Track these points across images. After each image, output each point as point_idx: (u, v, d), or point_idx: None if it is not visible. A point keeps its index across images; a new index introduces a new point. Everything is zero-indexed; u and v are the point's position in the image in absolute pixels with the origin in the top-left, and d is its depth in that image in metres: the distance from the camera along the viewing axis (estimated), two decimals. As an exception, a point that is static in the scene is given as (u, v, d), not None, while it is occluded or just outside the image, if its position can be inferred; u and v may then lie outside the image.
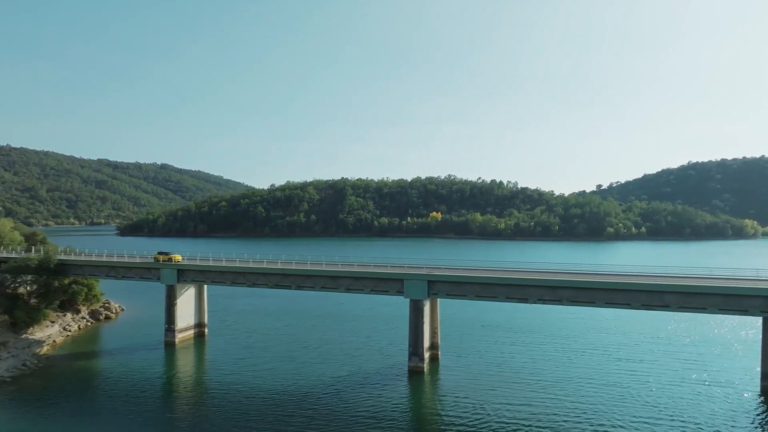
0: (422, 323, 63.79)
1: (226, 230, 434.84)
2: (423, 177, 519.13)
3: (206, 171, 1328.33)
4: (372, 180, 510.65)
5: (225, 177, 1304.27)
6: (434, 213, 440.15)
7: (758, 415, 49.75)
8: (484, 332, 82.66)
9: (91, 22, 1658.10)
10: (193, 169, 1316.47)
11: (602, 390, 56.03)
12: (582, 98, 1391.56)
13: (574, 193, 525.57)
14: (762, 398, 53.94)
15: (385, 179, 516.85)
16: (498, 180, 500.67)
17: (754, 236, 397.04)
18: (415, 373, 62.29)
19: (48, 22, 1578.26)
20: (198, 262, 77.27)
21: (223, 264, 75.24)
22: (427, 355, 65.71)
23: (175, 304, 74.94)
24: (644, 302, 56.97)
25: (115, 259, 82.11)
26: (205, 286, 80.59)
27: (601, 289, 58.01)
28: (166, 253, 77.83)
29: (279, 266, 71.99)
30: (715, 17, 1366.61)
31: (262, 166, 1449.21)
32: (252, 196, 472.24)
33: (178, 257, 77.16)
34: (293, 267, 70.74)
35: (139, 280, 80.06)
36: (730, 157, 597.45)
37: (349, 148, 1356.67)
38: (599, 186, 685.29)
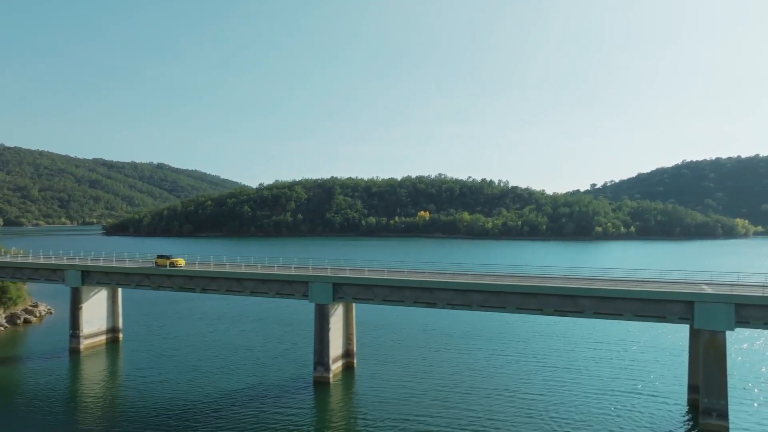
0: (328, 330, 58.85)
1: (211, 230, 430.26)
2: (414, 176, 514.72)
3: (203, 170, 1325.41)
4: (361, 179, 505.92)
5: (222, 176, 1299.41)
6: (422, 212, 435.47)
7: (682, 429, 44.94)
8: (409, 338, 77.47)
9: (88, 21, 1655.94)
10: (189, 168, 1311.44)
11: (523, 401, 51.16)
12: (580, 98, 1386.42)
13: (568, 192, 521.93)
14: (688, 412, 48.93)
15: (375, 178, 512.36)
16: (489, 179, 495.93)
17: (745, 235, 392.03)
18: (320, 384, 57.27)
19: (44, 21, 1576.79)
20: (101, 263, 72.25)
21: (127, 265, 70.19)
22: (339, 364, 60.93)
23: (80, 308, 69.69)
24: (557, 307, 51.93)
25: (19, 260, 77.03)
26: (120, 290, 75.66)
27: (513, 293, 53.02)
28: (167, 257, 68.43)
29: (183, 268, 67.15)
30: (713, 17, 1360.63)
31: (259, 166, 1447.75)
32: (239, 195, 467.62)
33: (181, 261, 68.17)
34: (197, 269, 65.85)
35: (44, 282, 74.38)
36: (725, 156, 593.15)
37: (348, 147, 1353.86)
38: (594, 185, 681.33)
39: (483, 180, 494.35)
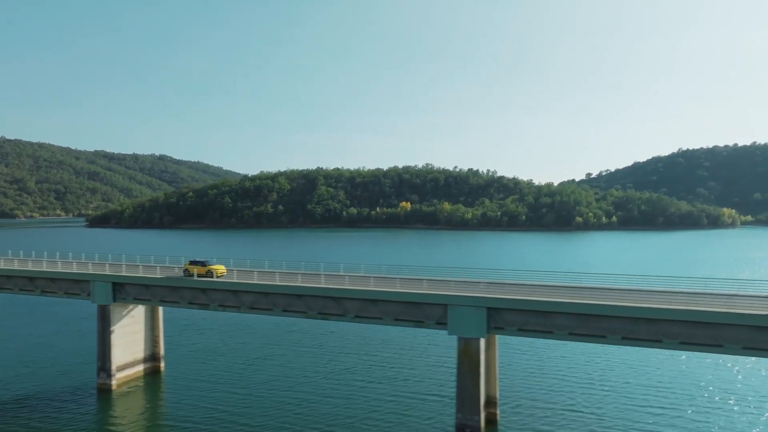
0: (110, 333, 54.59)
1: (192, 221, 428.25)
2: (401, 166, 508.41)
3: (205, 162, 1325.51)
4: (347, 169, 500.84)
5: (225, 168, 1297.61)
6: (404, 203, 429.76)
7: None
8: (215, 339, 72.97)
9: (93, 13, 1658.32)
10: (192, 160, 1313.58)
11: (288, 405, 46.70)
12: (580, 87, 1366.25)
13: (563, 182, 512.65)
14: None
15: (361, 168, 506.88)
16: (475, 168, 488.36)
17: (732, 225, 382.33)
18: (103, 392, 53.14)
19: (48, 13, 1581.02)
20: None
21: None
22: (138, 368, 56.93)
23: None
24: (322, 310, 47.31)
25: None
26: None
27: (280, 294, 48.39)
28: (203, 263, 52.43)
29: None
30: (717, 4, 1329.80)
31: (264, 157, 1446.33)
32: (221, 186, 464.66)
33: (222, 269, 52.56)
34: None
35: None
36: (722, 144, 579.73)
37: (353, 138, 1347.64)
38: (589, 175, 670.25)
39: (469, 170, 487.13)
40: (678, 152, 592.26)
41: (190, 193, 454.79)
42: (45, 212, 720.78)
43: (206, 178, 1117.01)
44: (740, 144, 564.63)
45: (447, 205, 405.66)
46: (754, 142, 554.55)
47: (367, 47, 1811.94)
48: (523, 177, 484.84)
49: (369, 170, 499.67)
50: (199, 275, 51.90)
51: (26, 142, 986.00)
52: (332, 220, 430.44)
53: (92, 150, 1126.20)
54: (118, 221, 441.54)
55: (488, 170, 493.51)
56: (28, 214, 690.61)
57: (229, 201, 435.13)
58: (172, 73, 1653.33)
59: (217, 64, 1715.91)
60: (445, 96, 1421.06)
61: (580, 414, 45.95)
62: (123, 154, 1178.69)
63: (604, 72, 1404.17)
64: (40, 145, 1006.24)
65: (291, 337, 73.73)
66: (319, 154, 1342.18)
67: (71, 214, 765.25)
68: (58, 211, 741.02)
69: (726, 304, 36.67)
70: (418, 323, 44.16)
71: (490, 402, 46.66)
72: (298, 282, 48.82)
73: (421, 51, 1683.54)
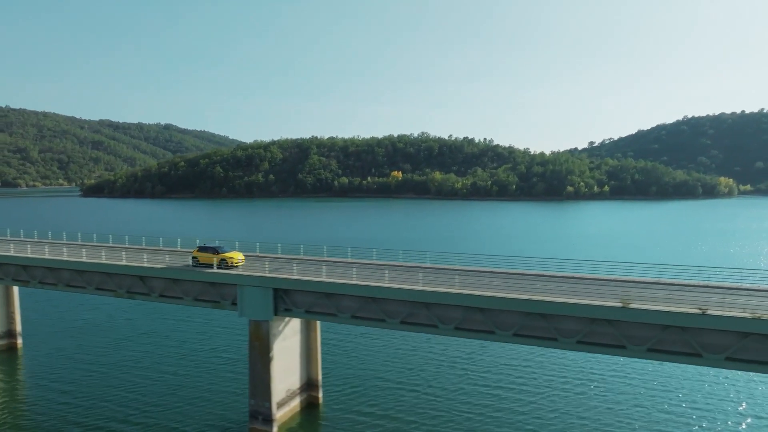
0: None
1: (183, 191, 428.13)
2: (396, 135, 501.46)
3: (211, 131, 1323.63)
4: (340, 138, 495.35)
5: (231, 137, 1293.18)
6: (395, 172, 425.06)
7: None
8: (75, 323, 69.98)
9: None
10: (198, 129, 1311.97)
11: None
12: (588, 55, 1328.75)
13: (566, 150, 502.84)
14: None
15: (356, 137, 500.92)
16: (470, 137, 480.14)
17: (729, 195, 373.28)
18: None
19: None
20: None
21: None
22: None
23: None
24: (130, 288, 44.96)
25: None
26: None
27: (96, 272, 45.91)
28: (215, 250, 42.94)
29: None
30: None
31: (268, 126, 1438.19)
32: (213, 156, 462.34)
33: (239, 256, 43.06)
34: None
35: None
36: (729, 111, 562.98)
37: (361, 107, 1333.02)
38: (592, 143, 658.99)
39: (465, 138, 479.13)
40: (683, 120, 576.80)
41: (182, 163, 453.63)
42: (48, 182, 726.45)
43: (211, 147, 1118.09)
44: (748, 111, 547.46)
45: (437, 175, 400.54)
46: (762, 109, 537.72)
47: (373, 12, 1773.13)
48: (525, 146, 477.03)
49: (363, 139, 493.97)
50: (206, 264, 41.98)
51: (30, 111, 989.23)
52: (323, 190, 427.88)
53: (97, 119, 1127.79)
54: (111, 191, 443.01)
55: (485, 138, 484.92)
56: (31, 183, 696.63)
57: (221, 171, 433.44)
58: (178, 40, 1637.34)
59: (223, 31, 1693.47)
60: (451, 64, 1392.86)
61: (401, 395, 43.71)
62: (128, 123, 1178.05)
63: (613, 39, 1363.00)
64: (45, 114, 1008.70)
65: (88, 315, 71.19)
66: (324, 122, 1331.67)
67: (74, 183, 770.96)
68: (61, 181, 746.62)
69: (562, 292, 33.54)
70: (215, 304, 41.62)
71: (312, 385, 44.64)
72: (103, 259, 46.28)
73: (428, 17, 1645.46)
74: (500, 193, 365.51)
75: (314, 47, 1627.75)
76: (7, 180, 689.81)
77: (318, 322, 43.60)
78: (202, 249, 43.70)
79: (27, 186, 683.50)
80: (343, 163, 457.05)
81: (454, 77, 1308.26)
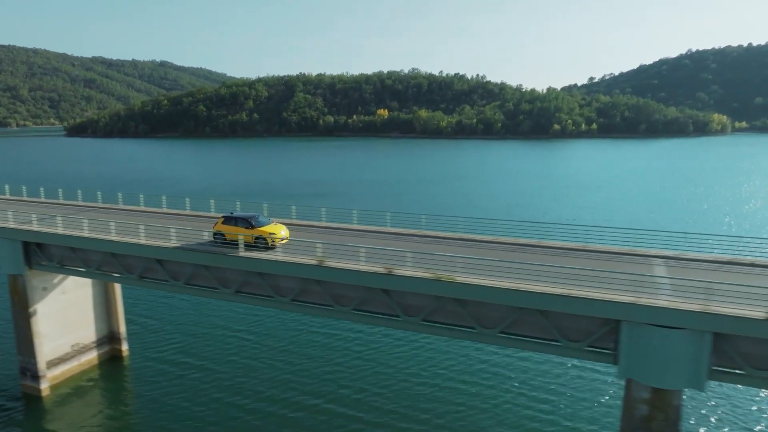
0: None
1: (167, 131, 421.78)
2: (386, 71, 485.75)
3: (208, 68, 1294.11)
4: (328, 75, 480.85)
5: (228, 74, 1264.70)
6: (381, 110, 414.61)
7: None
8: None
9: None
10: (195, 66, 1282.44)
11: None
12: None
13: (564, 87, 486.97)
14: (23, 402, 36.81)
15: (344, 74, 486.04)
16: (461, 73, 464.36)
17: (721, 132, 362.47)
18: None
19: None
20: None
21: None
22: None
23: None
24: None
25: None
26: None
27: None
28: (247, 221, 30.89)
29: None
30: None
31: (270, 62, 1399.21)
32: (196, 94, 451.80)
33: (280, 229, 31.04)
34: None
35: None
36: (735, 44, 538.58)
37: (364, 42, 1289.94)
38: (591, 79, 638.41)
39: (455, 74, 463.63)
40: (686, 53, 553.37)
41: (165, 102, 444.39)
42: (38, 121, 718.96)
43: (209, 86, 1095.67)
44: (754, 44, 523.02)
45: (423, 113, 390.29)
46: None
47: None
48: (520, 83, 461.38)
49: (351, 76, 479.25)
50: (230, 240, 30.44)
51: (20, 47, 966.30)
52: (308, 129, 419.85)
53: (89, 56, 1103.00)
54: (95, 131, 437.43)
55: (477, 75, 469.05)
56: (21, 123, 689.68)
57: (204, 109, 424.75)
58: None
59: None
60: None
61: (208, 345, 41.96)
62: (122, 61, 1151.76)
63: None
64: (35, 51, 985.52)
65: None
66: (321, 58, 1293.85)
67: (66, 123, 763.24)
68: (52, 120, 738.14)
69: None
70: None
71: (114, 338, 42.91)
72: None
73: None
74: (486, 131, 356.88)
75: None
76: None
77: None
78: (228, 220, 31.42)
79: (18, 126, 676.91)
80: (329, 101, 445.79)
81: (457, 10, 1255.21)
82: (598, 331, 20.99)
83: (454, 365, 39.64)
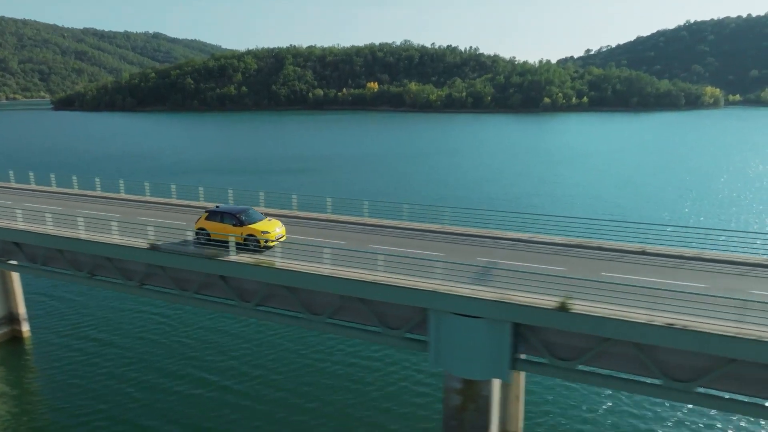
0: None
1: (154, 104, 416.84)
2: (377, 43, 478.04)
3: (202, 40, 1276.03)
4: (319, 47, 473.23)
5: (224, 46, 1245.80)
6: (371, 83, 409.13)
7: None
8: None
9: None
10: (189, 38, 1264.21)
11: None
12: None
13: (560, 59, 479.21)
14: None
15: (335, 46, 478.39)
16: (453, 45, 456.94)
17: (714, 106, 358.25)
18: None
19: None
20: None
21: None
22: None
23: None
24: None
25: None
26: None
27: None
28: (236, 216, 27.09)
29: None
30: None
31: (266, 33, 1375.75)
32: (184, 66, 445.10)
33: (274, 226, 27.45)
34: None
35: None
36: (734, 15, 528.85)
37: (366, 11, 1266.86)
38: (588, 51, 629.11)
39: (447, 47, 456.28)
40: (684, 25, 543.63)
41: (153, 74, 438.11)
42: (29, 94, 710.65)
43: (197, 58, 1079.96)
44: (754, 14, 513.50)
45: (413, 86, 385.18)
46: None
47: None
48: (514, 56, 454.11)
49: (342, 48, 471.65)
50: (216, 240, 26.39)
51: (9, 18, 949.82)
52: (298, 102, 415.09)
53: (80, 27, 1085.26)
54: (81, 104, 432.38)
55: (470, 47, 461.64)
56: (11, 96, 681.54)
57: (191, 82, 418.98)
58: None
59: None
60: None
61: (112, 325, 41.47)
62: (114, 32, 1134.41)
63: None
64: (24, 22, 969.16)
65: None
66: (318, 27, 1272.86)
67: (56, 96, 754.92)
68: (42, 93, 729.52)
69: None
70: None
71: (14, 319, 42.32)
72: None
73: None
74: (475, 104, 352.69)
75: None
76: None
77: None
78: (213, 215, 27.69)
79: (7, 99, 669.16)
80: (319, 73, 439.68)
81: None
82: (413, 319, 20.32)
83: (283, 352, 37.61)
